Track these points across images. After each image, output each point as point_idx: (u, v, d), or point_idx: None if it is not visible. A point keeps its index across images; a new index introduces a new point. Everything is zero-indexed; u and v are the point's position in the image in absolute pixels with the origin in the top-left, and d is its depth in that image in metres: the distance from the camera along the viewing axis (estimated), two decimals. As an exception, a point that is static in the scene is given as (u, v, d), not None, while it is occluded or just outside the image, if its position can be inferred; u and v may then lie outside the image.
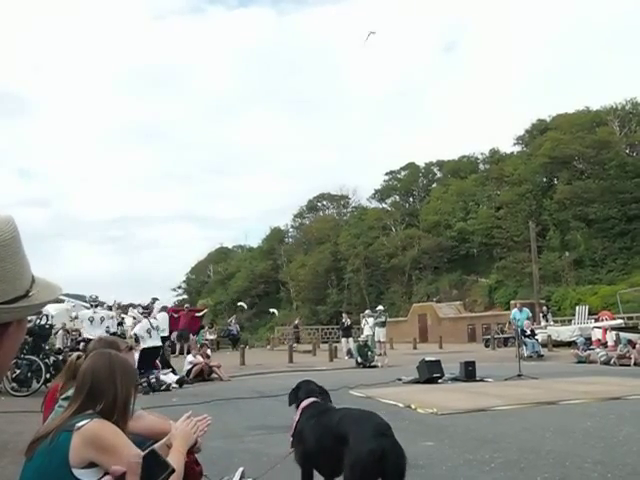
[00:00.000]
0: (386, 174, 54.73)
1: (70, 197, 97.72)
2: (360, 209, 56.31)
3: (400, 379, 12.40)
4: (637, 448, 5.37)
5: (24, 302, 1.03)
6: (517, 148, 48.37)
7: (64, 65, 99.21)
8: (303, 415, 3.76)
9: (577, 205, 37.77)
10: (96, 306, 14.95)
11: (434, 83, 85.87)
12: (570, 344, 19.85)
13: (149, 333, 12.89)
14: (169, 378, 12.87)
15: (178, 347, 21.28)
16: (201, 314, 23.92)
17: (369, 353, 17.38)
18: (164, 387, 12.13)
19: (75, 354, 3.55)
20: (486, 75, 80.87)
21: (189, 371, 13.92)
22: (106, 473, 2.02)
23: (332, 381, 9.63)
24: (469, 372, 12.13)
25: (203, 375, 14.02)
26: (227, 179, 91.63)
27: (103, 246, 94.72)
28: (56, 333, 15.87)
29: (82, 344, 13.01)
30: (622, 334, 17.20)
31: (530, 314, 20.75)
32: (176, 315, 22.48)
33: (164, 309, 18.12)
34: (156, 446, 2.59)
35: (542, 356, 18.21)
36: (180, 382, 12.89)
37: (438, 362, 12.25)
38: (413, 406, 8.33)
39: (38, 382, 11.17)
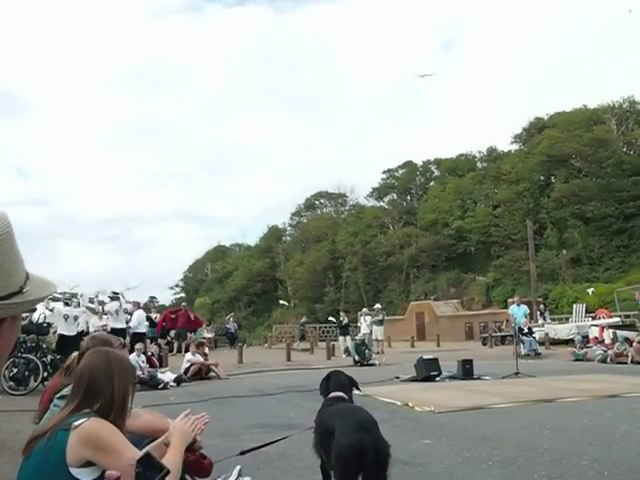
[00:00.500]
0: (384, 172, 54.82)
1: (68, 196, 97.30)
2: (358, 207, 56.32)
3: (398, 377, 12.40)
4: (634, 446, 5.39)
5: (18, 298, 1.02)
6: (515, 146, 48.48)
7: (61, 64, 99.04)
8: (321, 407, 3.88)
9: (574, 203, 37.83)
10: (74, 304, 14.91)
11: (432, 81, 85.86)
12: (567, 342, 19.90)
13: (117, 313, 14.10)
14: (167, 377, 12.88)
15: (176, 346, 21.29)
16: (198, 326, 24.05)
17: (367, 351, 17.40)
18: (162, 386, 12.14)
19: (76, 353, 3.55)
20: (484, 73, 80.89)
21: (187, 369, 13.92)
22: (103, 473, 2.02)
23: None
24: (467, 370, 12.14)
25: (201, 373, 14.01)
26: (224, 177, 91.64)
27: (101, 245, 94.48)
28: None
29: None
30: (619, 332, 17.22)
31: (528, 310, 20.81)
32: (173, 315, 22.55)
33: (136, 305, 18.25)
34: (154, 444, 2.59)
35: (539, 354, 18.24)
36: (178, 380, 12.89)
37: (436, 360, 12.26)
38: (411, 404, 8.33)
39: (35, 381, 11.16)
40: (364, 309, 23.65)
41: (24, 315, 10.39)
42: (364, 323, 20.96)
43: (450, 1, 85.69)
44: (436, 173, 54.42)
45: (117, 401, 2.35)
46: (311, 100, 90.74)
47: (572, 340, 18.53)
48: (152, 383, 12.05)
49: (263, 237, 61.75)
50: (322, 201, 59.69)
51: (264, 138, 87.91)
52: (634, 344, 15.06)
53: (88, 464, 2.19)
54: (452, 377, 12.15)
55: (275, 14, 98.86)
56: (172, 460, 2.32)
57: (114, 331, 13.35)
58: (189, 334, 21.97)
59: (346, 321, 22.26)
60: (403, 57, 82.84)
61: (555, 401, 8.36)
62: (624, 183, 37.01)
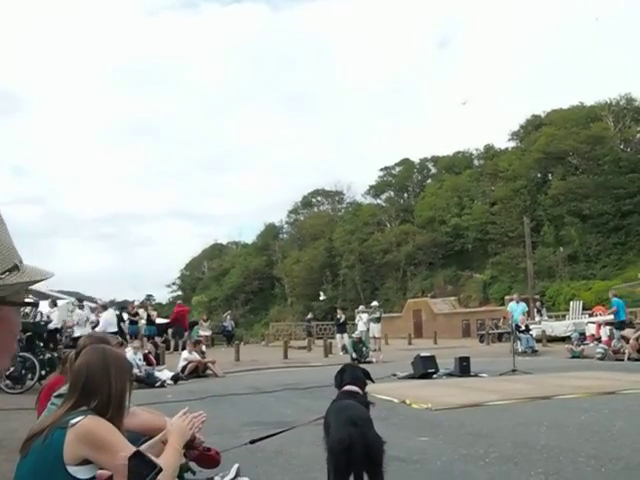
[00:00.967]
0: (381, 170, 54.89)
1: (64, 194, 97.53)
2: (355, 205, 56.37)
3: (395, 375, 12.41)
4: (630, 442, 5.40)
5: (15, 276, 0.97)
6: (511, 144, 48.57)
7: (57, 63, 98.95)
8: (333, 400, 3.89)
9: (571, 200, 37.89)
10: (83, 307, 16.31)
11: (428, 79, 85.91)
12: (564, 339, 19.91)
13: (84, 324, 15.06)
14: (164, 375, 12.86)
15: (173, 343, 21.27)
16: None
17: (364, 349, 17.42)
18: (159, 384, 12.12)
19: (73, 351, 3.54)
20: (480, 71, 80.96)
21: (184, 367, 13.90)
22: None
23: (327, 377, 9.57)
24: (464, 367, 12.15)
25: (198, 371, 13.99)
26: (221, 175, 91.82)
27: (97, 243, 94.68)
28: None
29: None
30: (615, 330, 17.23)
31: (526, 308, 20.82)
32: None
33: (103, 307, 18.10)
34: (151, 442, 2.59)
35: (536, 351, 18.27)
36: (175, 378, 12.88)
37: (433, 357, 12.27)
38: (408, 401, 8.34)
39: (32, 379, 11.12)
40: (361, 306, 23.65)
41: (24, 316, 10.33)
42: (361, 321, 20.96)
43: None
44: (433, 171, 54.48)
45: (114, 399, 2.34)
46: (308, 98, 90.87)
47: (569, 337, 18.55)
48: (149, 381, 12.03)
49: (260, 235, 61.80)
50: (319, 199, 59.74)
51: (261, 136, 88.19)
52: (630, 341, 15.09)
53: (85, 462, 2.18)
54: (449, 374, 12.16)
55: (272, 11, 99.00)
56: (169, 458, 2.31)
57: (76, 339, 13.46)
58: (185, 333, 21.97)
59: (343, 319, 22.27)
60: (400, 55, 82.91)
61: (552, 398, 8.37)
62: (621, 180, 37.09)
